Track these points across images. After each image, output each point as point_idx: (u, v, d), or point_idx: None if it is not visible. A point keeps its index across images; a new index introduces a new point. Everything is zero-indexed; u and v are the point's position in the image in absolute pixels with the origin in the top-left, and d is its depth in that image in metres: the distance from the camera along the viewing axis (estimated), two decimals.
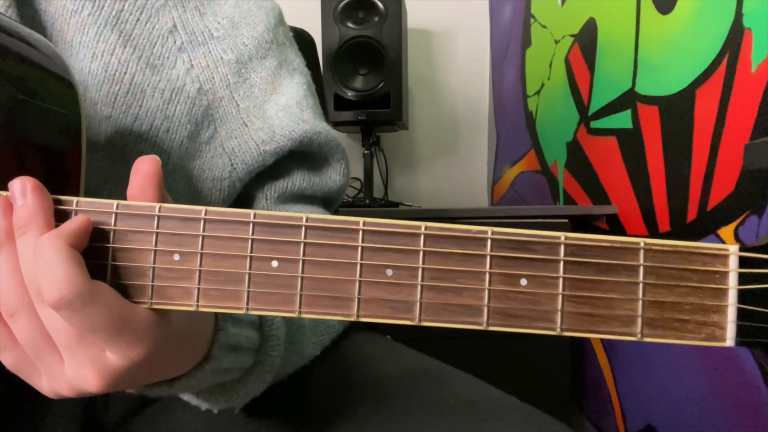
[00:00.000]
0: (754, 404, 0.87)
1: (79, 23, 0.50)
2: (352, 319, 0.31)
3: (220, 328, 0.39)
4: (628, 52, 1.22)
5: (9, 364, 0.34)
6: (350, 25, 1.75)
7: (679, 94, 1.05)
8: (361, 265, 0.31)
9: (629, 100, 1.23)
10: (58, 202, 0.33)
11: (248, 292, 0.32)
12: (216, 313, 0.39)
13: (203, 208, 0.32)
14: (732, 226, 0.90)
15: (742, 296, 0.29)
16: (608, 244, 0.30)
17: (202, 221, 0.32)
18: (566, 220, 1.30)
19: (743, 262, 0.29)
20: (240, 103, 0.56)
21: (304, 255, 0.31)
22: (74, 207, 0.33)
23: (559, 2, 1.60)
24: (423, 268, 0.31)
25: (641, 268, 0.29)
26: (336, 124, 1.78)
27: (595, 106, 1.40)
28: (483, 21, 2.24)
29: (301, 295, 0.31)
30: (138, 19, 0.53)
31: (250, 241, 0.32)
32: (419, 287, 0.31)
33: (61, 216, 0.33)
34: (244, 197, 0.60)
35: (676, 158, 1.06)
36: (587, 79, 1.43)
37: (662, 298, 0.29)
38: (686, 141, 1.02)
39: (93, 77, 0.50)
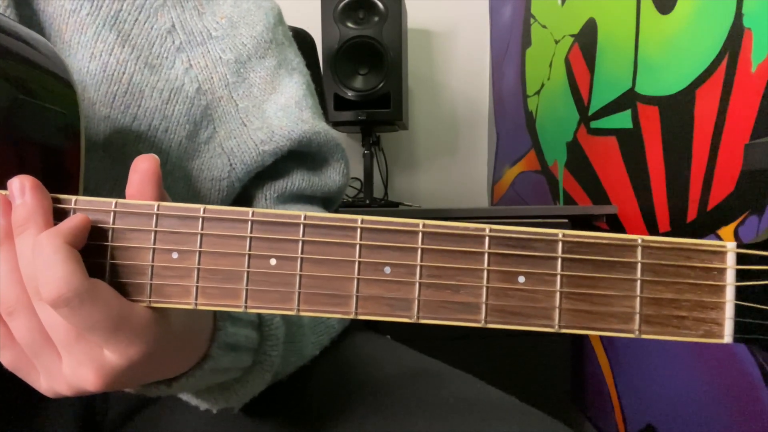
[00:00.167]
0: (754, 404, 0.87)
1: (78, 23, 0.50)
2: (351, 316, 0.31)
3: (219, 328, 0.39)
4: (628, 52, 1.22)
5: (7, 363, 0.34)
6: (350, 25, 1.75)
7: (679, 94, 1.05)
8: (360, 262, 0.31)
9: (629, 100, 1.23)
10: (56, 200, 0.33)
11: (247, 290, 0.32)
12: (215, 313, 0.39)
13: (202, 207, 0.32)
14: (732, 226, 0.90)
15: (740, 293, 0.29)
16: (606, 241, 0.30)
17: (200, 219, 0.32)
18: (566, 220, 1.30)
19: (741, 259, 0.29)
20: (239, 103, 0.56)
21: (302, 253, 0.31)
22: (73, 206, 0.33)
23: (559, 2, 1.60)
24: (421, 266, 0.31)
25: (639, 265, 0.29)
26: (336, 124, 1.78)
27: (595, 106, 1.40)
28: (483, 21, 2.24)
29: (299, 293, 0.31)
30: (136, 19, 0.53)
31: (248, 239, 0.32)
32: (417, 285, 0.31)
33: (59, 215, 0.33)
34: (243, 197, 0.60)
35: (676, 158, 1.05)
36: (587, 79, 1.43)
37: (660, 295, 0.29)
38: (686, 141, 1.02)
39: (91, 77, 0.50)
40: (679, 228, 1.05)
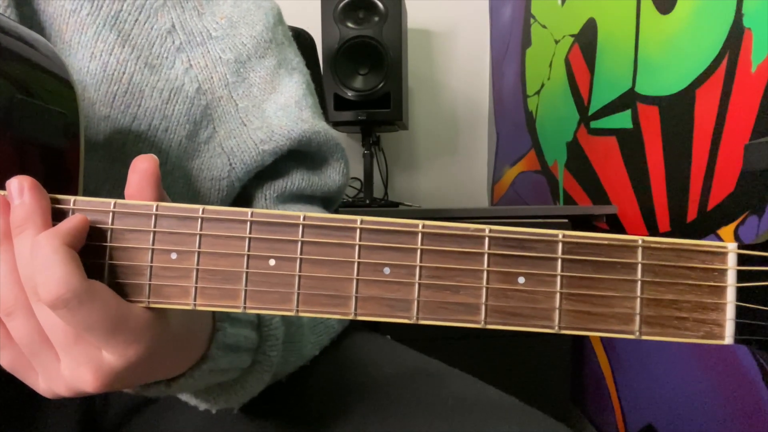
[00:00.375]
0: (754, 404, 0.87)
1: (78, 23, 0.50)
2: (350, 317, 0.31)
3: (218, 328, 0.39)
4: (628, 52, 1.22)
5: (5, 363, 0.34)
6: (350, 25, 1.75)
7: (679, 94, 1.05)
8: (359, 263, 0.31)
9: (629, 100, 1.22)
10: (55, 201, 0.33)
11: (245, 290, 0.32)
12: (214, 313, 0.39)
13: (201, 207, 0.32)
14: (732, 226, 0.90)
15: (741, 294, 0.29)
16: (606, 242, 0.30)
17: (199, 220, 0.32)
18: (566, 220, 1.30)
19: (742, 259, 0.29)
20: (239, 103, 0.56)
21: (301, 253, 0.31)
22: (72, 206, 0.33)
23: (559, 2, 1.60)
24: (421, 267, 0.31)
25: (639, 266, 0.29)
26: (336, 124, 1.78)
27: (595, 106, 1.40)
28: (483, 21, 2.24)
29: (298, 294, 0.31)
30: (137, 19, 0.53)
31: (247, 240, 0.32)
32: (417, 285, 0.31)
33: (58, 215, 0.33)
34: (243, 197, 0.60)
35: (676, 158, 1.05)
36: (587, 79, 1.43)
37: (660, 295, 0.29)
38: (686, 141, 1.02)
39: (91, 77, 0.50)
40: (679, 228, 1.05)
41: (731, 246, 0.29)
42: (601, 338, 1.37)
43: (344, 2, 1.74)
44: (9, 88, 0.36)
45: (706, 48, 0.96)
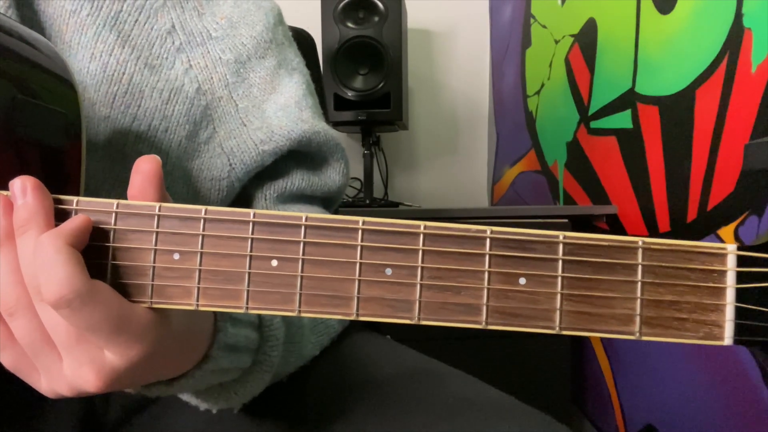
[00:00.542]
0: (754, 404, 0.87)
1: (78, 24, 0.50)
2: (352, 318, 0.31)
3: (219, 329, 0.39)
4: (628, 52, 1.22)
5: (8, 363, 0.34)
6: (350, 25, 1.75)
7: (679, 94, 1.05)
8: (361, 264, 0.31)
9: (629, 100, 1.23)
10: (58, 201, 0.33)
11: (248, 291, 0.32)
12: (215, 314, 0.39)
13: (203, 208, 0.32)
14: (732, 226, 0.90)
15: (741, 295, 0.29)
16: (607, 243, 0.30)
17: (202, 220, 0.32)
18: (566, 220, 1.30)
19: (742, 261, 0.29)
20: (239, 103, 0.56)
21: (303, 254, 0.31)
22: (74, 206, 0.33)
23: (559, 2, 1.60)
24: (422, 267, 0.31)
25: (639, 267, 0.30)
26: (336, 124, 1.78)
27: (595, 106, 1.40)
28: (483, 21, 2.24)
29: (300, 294, 0.31)
30: (137, 20, 0.53)
31: (249, 241, 0.32)
32: (418, 286, 0.31)
33: (61, 215, 0.33)
34: (243, 197, 0.60)
35: (676, 158, 1.06)
36: (587, 79, 1.43)
37: (660, 296, 0.29)
38: (686, 141, 1.02)
39: (91, 77, 0.50)
40: (679, 228, 1.05)
41: (731, 247, 0.29)
42: (601, 338, 1.37)
43: (344, 2, 1.74)
44: (10, 88, 0.37)
45: (706, 48, 0.96)
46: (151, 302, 0.32)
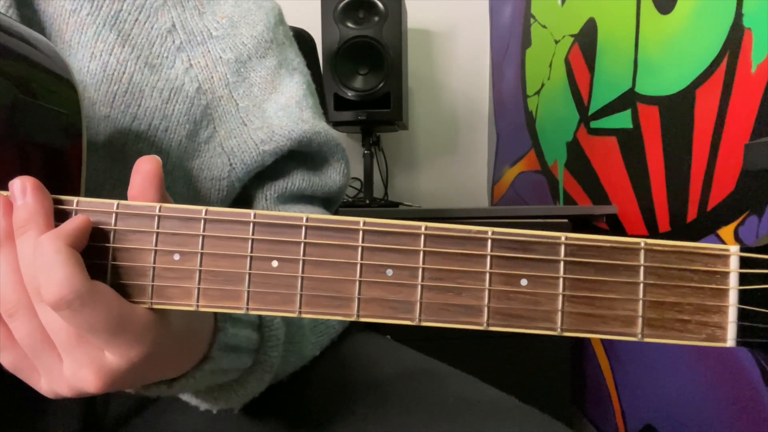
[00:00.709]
0: (754, 404, 0.87)
1: (78, 23, 0.50)
2: (352, 319, 0.31)
3: (220, 329, 0.39)
4: (628, 52, 1.22)
5: (8, 364, 0.34)
6: (350, 25, 1.75)
7: (679, 94, 1.05)
8: (361, 265, 0.31)
9: (629, 100, 1.22)
10: (58, 201, 0.33)
11: (248, 291, 0.32)
12: (215, 314, 0.39)
13: (203, 208, 0.32)
14: (732, 226, 0.90)
15: (743, 297, 0.29)
16: (609, 245, 0.30)
17: (202, 221, 0.32)
18: (566, 220, 1.30)
19: (744, 262, 0.29)
20: (239, 103, 0.56)
21: (304, 255, 0.31)
22: (74, 207, 0.33)
23: (559, 2, 1.60)
24: (423, 268, 0.31)
25: (642, 269, 0.29)
26: (336, 124, 1.78)
27: (595, 106, 1.40)
28: (483, 21, 2.24)
29: (301, 295, 0.31)
30: (137, 19, 0.52)
31: (250, 241, 0.32)
32: (419, 287, 0.31)
33: (61, 216, 0.33)
34: (243, 197, 0.60)
35: (676, 158, 1.05)
36: (587, 79, 1.43)
37: (663, 298, 0.29)
38: (686, 141, 1.02)
39: (91, 77, 0.50)
40: (679, 228, 1.05)
41: (733, 249, 0.29)
42: (602, 339, 1.37)
43: (344, 2, 1.74)
44: (11, 88, 0.36)
45: (706, 48, 0.96)
46: (151, 303, 0.32)
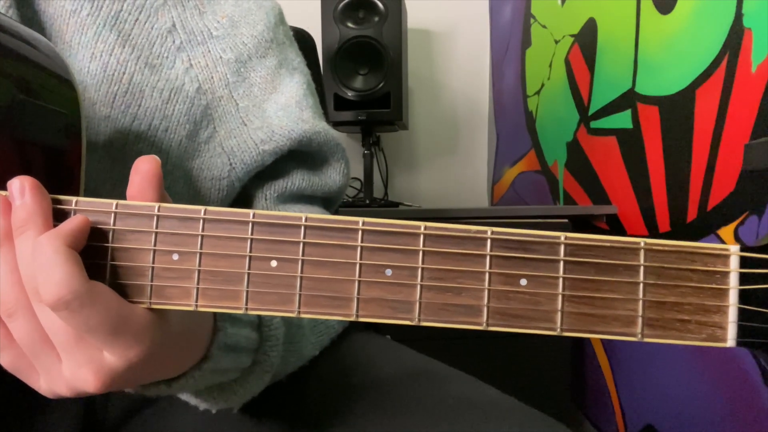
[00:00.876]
0: (754, 404, 0.87)
1: (78, 23, 0.50)
2: (352, 319, 0.31)
3: (219, 329, 0.39)
4: (628, 52, 1.22)
5: (7, 364, 0.34)
6: (350, 25, 1.75)
7: (679, 94, 1.05)
8: (361, 265, 0.31)
9: (629, 100, 1.22)
10: (57, 201, 0.33)
11: (247, 291, 0.32)
12: (215, 313, 0.39)
13: (202, 208, 0.32)
14: (732, 226, 0.90)
15: (743, 297, 0.29)
16: (609, 244, 0.30)
17: (201, 221, 0.32)
18: (566, 220, 1.30)
19: (744, 262, 0.29)
20: (239, 102, 0.56)
21: (303, 255, 0.31)
22: (73, 206, 0.33)
23: (559, 2, 1.60)
24: (422, 268, 0.31)
25: (642, 268, 0.29)
26: (336, 124, 1.78)
27: (595, 106, 1.40)
28: (483, 21, 2.24)
29: (300, 295, 0.31)
30: (137, 19, 0.52)
31: (249, 241, 0.32)
32: (419, 287, 0.31)
33: (60, 216, 0.33)
34: (243, 197, 0.60)
35: (676, 158, 1.05)
36: (587, 79, 1.43)
37: (663, 298, 0.29)
38: (686, 141, 1.02)
39: (92, 77, 0.50)
40: (679, 228, 1.05)
41: (734, 248, 0.29)
42: (602, 339, 1.37)
43: (344, 2, 1.74)
44: (10, 88, 0.36)
45: (706, 48, 0.96)
46: (150, 303, 0.32)
